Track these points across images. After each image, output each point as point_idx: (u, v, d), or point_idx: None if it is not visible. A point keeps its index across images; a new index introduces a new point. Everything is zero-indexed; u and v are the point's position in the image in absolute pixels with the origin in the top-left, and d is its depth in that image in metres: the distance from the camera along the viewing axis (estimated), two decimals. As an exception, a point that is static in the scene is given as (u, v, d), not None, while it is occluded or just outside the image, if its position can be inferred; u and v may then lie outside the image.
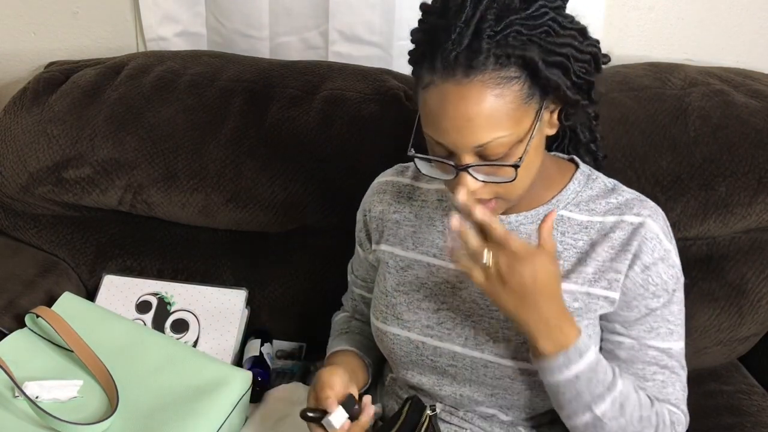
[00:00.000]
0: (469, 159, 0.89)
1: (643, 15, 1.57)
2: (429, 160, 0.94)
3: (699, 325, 1.34)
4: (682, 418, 1.03)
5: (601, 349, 1.04)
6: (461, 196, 0.89)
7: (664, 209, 1.29)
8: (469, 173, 0.89)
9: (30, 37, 1.68)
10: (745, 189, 1.30)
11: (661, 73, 1.41)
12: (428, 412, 1.01)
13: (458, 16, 0.85)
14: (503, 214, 1.03)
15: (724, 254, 1.35)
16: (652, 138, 1.33)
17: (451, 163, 0.90)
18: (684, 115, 1.34)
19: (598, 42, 0.95)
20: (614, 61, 1.52)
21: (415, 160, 0.94)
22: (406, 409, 1.01)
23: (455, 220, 0.88)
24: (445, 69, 0.86)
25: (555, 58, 0.88)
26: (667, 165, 1.31)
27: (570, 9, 0.99)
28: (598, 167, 1.10)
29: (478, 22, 0.85)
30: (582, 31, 0.93)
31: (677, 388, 1.03)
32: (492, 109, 0.86)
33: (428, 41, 0.88)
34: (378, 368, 1.21)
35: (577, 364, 0.92)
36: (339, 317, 1.29)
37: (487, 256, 0.87)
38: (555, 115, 0.96)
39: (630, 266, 0.98)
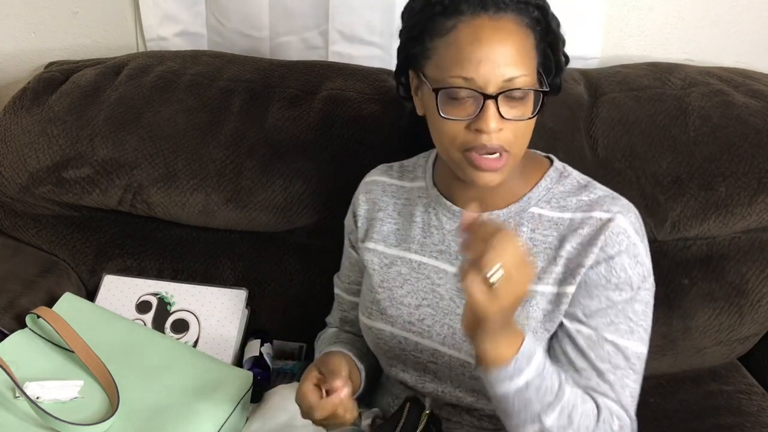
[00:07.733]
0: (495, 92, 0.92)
1: (643, 15, 1.57)
2: (455, 96, 0.93)
3: (699, 325, 1.34)
4: (628, 422, 0.99)
5: (555, 336, 1.01)
6: (489, 125, 0.91)
7: (663, 209, 1.30)
8: (496, 105, 0.91)
9: (30, 37, 1.68)
10: (745, 189, 1.30)
11: (661, 73, 1.41)
12: (426, 411, 1.01)
13: None
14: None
15: (724, 254, 1.36)
16: (652, 138, 1.33)
17: (481, 91, 0.91)
18: (684, 115, 1.34)
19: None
20: (614, 61, 1.53)
21: (438, 97, 0.93)
22: (406, 411, 1.01)
23: (468, 215, 0.84)
24: (476, 6, 0.92)
25: (555, 23, 0.98)
26: (667, 165, 1.31)
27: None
28: None
29: None
30: None
31: (626, 393, 0.99)
32: (519, 45, 0.93)
33: None
34: (374, 375, 1.18)
35: (528, 369, 0.88)
36: (327, 333, 1.27)
37: (497, 274, 0.80)
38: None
39: (596, 260, 0.97)
